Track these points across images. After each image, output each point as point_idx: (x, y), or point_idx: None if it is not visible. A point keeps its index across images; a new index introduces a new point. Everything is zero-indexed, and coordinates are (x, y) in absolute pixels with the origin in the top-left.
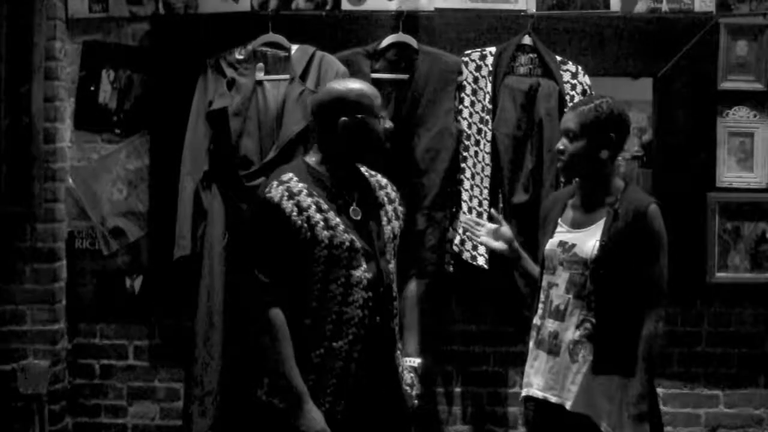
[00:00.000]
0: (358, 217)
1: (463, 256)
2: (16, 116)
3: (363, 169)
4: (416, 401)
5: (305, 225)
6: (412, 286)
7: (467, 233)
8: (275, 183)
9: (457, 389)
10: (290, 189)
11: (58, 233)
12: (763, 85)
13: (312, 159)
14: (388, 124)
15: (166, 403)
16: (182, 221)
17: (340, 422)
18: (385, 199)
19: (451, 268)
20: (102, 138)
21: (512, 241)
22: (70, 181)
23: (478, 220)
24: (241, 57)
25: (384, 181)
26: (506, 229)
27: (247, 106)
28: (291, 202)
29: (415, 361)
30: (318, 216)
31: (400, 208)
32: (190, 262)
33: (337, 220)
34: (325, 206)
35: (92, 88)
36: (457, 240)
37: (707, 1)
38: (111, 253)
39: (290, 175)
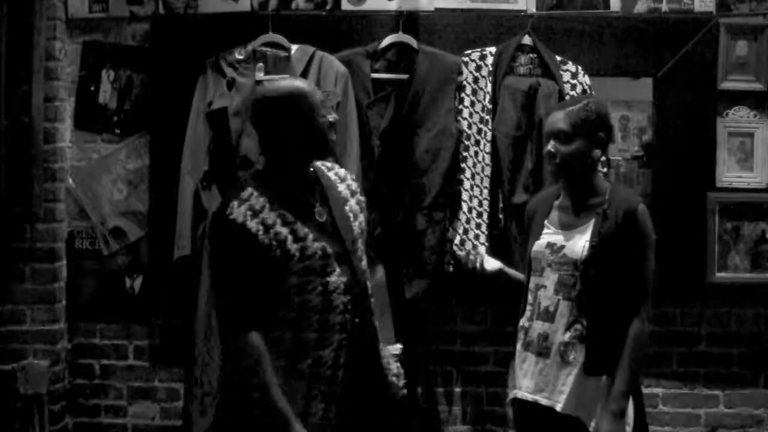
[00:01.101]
0: (323, 219)
1: None
2: (16, 116)
3: (320, 163)
4: (404, 390)
5: (274, 242)
6: (380, 271)
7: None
8: (236, 203)
9: (457, 389)
10: (252, 206)
11: (58, 233)
12: (763, 85)
13: (262, 167)
14: (332, 117)
15: (166, 403)
16: (182, 221)
17: (334, 427)
18: (347, 192)
19: (451, 268)
20: (102, 138)
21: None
22: (70, 181)
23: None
24: (241, 57)
25: (343, 172)
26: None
27: (247, 105)
28: (255, 220)
29: (396, 347)
30: (285, 230)
31: (362, 199)
32: (190, 262)
33: (305, 230)
34: (290, 218)
35: (92, 88)
36: (457, 240)
37: (707, 1)
38: (111, 253)
39: (249, 190)
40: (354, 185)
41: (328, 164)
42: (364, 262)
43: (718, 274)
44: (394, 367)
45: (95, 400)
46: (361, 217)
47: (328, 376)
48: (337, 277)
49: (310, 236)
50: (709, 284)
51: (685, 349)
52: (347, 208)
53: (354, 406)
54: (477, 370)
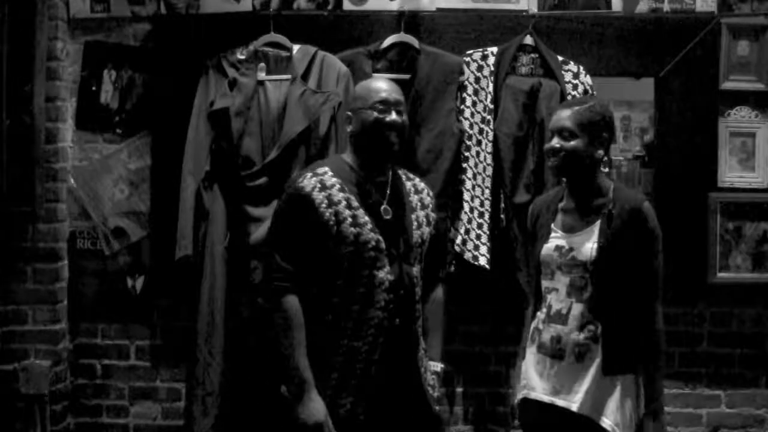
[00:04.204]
0: (389, 217)
1: (465, 256)
2: (18, 116)
3: (401, 171)
4: (437, 406)
5: (333, 219)
6: (439, 291)
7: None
8: (309, 174)
9: (459, 389)
10: (323, 182)
11: (59, 233)
12: (764, 85)
13: (348, 156)
14: (390, 117)
15: (167, 403)
16: (184, 221)
17: (361, 423)
18: (419, 204)
19: (453, 268)
20: (103, 138)
21: None
22: (72, 181)
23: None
24: (242, 57)
25: (421, 185)
26: None
27: (248, 106)
28: (322, 194)
29: (438, 366)
30: (347, 212)
31: (432, 215)
32: (192, 263)
33: (366, 218)
34: (355, 203)
35: (94, 88)
36: (458, 240)
37: (709, 1)
38: (113, 253)
39: (326, 168)
40: (428, 200)
41: (411, 175)
42: (417, 270)
43: (720, 275)
44: (430, 379)
45: (97, 400)
46: (425, 230)
47: (361, 370)
48: (384, 274)
49: (368, 226)
50: (711, 284)
51: (687, 349)
52: (413, 216)
53: (386, 406)
54: (478, 371)
